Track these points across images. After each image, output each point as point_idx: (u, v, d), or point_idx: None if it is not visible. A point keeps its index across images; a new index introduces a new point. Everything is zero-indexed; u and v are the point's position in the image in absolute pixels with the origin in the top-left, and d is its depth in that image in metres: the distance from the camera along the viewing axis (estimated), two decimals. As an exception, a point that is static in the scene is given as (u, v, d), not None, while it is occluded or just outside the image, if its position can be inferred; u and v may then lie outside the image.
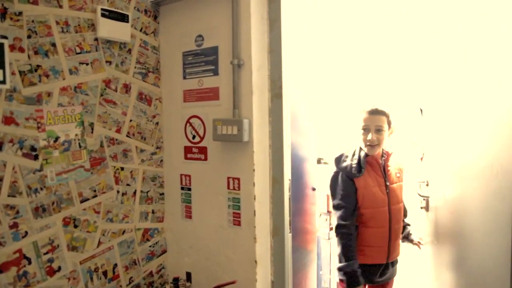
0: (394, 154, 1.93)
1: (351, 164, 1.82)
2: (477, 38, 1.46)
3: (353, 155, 1.86)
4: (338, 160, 1.89)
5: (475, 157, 1.47)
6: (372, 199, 1.81)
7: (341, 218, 1.81)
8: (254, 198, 1.70)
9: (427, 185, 1.95)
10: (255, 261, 1.71)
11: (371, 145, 1.80)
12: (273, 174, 1.75)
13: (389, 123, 1.83)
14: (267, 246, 1.77)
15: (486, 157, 1.39)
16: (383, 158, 1.88)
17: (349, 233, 1.79)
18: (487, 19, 1.40)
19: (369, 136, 1.79)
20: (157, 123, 2.02)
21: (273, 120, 1.74)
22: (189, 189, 1.96)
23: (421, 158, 2.14)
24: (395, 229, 1.84)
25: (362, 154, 1.83)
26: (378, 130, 1.80)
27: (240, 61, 1.68)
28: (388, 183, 1.84)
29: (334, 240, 1.90)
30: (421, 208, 2.02)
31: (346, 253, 1.78)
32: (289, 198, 1.76)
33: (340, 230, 1.81)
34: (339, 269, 1.80)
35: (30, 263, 1.51)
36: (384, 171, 1.86)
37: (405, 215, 2.00)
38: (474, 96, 1.47)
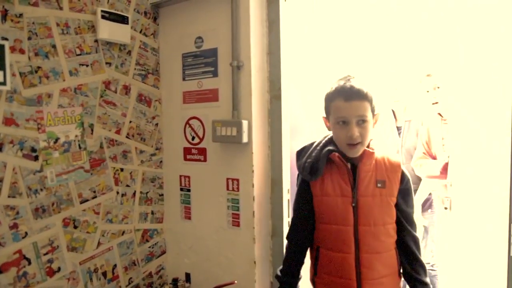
0: (381, 153, 1.35)
1: (305, 163, 1.35)
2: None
3: (313, 150, 1.36)
4: (298, 155, 1.43)
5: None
6: (330, 213, 1.32)
7: (291, 225, 1.45)
8: (253, 199, 1.71)
9: (451, 185, 1.95)
10: (254, 262, 1.72)
11: (353, 144, 1.26)
12: (272, 175, 1.76)
13: (373, 110, 1.29)
14: (266, 247, 1.78)
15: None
16: (356, 160, 1.32)
17: (293, 250, 1.42)
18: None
19: (349, 132, 1.25)
20: (156, 124, 2.02)
21: (272, 121, 1.75)
22: (189, 190, 1.96)
23: (447, 163, 2.12)
24: (367, 259, 1.28)
25: (325, 149, 1.33)
26: (362, 121, 1.25)
27: (240, 62, 1.69)
28: (356, 194, 1.28)
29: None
30: (445, 208, 2.03)
31: (285, 269, 1.42)
32: (288, 199, 1.76)
33: (288, 239, 1.44)
34: (277, 276, 1.45)
35: (30, 263, 1.52)
36: (354, 176, 1.30)
37: (411, 256, 1.33)
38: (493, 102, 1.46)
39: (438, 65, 2.40)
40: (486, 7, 1.42)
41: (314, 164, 1.33)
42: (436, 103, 2.32)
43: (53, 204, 1.59)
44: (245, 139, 1.67)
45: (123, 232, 1.88)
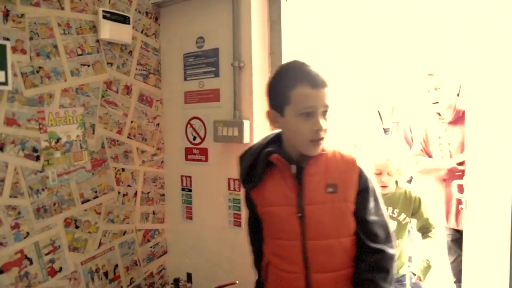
0: (332, 148, 1.10)
1: (242, 168, 1.16)
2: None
3: (252, 153, 1.14)
4: (241, 160, 1.19)
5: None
6: (274, 225, 1.13)
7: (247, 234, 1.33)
8: (255, 199, 1.70)
9: (467, 185, 1.94)
10: (256, 262, 1.72)
11: (318, 139, 1.04)
12: (273, 175, 1.76)
13: None
14: (267, 247, 1.78)
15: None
16: (304, 161, 1.08)
17: (250, 239, 1.31)
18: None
19: (317, 125, 1.02)
20: (158, 125, 2.02)
21: (273, 121, 1.75)
22: (190, 190, 1.96)
23: (461, 163, 2.11)
24: (319, 279, 1.06)
25: (264, 151, 1.10)
26: (325, 112, 1.05)
27: (241, 63, 1.69)
28: (302, 203, 1.06)
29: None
30: (461, 208, 2.02)
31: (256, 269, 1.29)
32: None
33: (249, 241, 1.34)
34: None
35: (31, 263, 1.52)
36: (299, 181, 1.07)
37: (367, 284, 1.06)
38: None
39: (437, 65, 2.39)
40: (486, 7, 1.42)
41: (251, 169, 1.12)
42: (437, 103, 2.31)
43: (54, 204, 1.59)
44: (246, 139, 1.67)
45: (125, 232, 1.88)
